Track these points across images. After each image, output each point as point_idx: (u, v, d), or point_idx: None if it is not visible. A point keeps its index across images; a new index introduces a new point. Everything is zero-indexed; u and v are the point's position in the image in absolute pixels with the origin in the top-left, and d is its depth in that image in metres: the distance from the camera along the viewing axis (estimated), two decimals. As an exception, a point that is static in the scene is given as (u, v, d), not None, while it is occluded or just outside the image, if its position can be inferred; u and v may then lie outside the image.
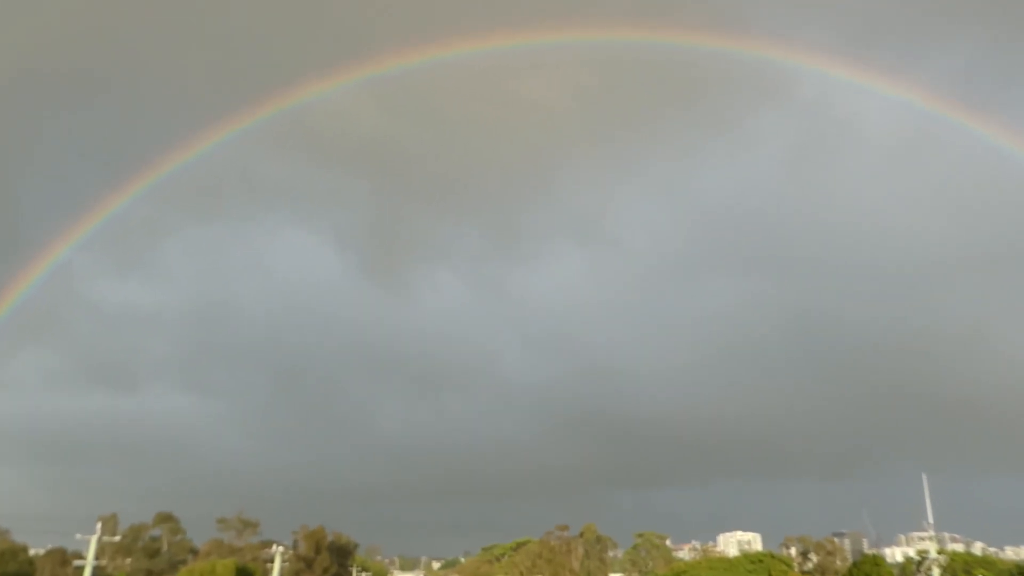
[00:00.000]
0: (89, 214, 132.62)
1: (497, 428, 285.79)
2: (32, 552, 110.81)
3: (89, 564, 48.82)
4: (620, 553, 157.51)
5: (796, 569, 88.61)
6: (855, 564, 74.71)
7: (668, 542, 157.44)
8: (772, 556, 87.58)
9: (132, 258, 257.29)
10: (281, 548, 73.76)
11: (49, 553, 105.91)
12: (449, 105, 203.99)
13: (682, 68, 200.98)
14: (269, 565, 73.51)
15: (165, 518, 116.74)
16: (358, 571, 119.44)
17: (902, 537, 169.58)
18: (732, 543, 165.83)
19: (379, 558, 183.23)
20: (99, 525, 50.23)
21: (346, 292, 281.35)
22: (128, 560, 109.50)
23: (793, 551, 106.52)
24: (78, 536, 51.62)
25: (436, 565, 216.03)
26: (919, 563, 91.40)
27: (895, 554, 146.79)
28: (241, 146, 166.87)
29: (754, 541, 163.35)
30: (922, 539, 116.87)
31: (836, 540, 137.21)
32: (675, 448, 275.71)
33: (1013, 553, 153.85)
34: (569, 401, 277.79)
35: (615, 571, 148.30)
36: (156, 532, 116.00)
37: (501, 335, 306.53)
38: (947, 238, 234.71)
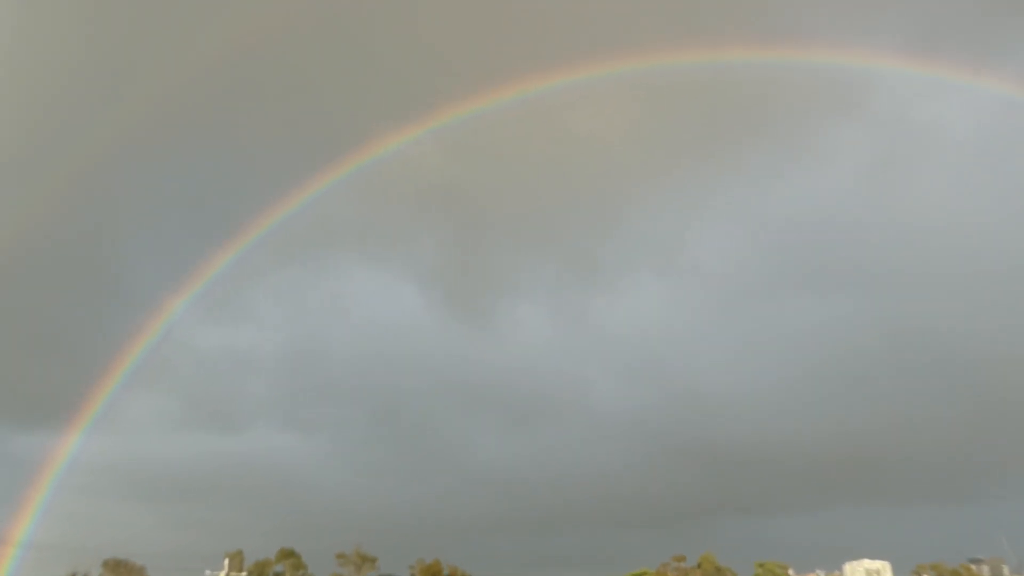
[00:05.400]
0: (191, 271, 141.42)
1: (594, 458, 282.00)
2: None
3: (219, 600, 50.72)
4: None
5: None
6: (996, 592, 70.23)
7: (791, 571, 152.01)
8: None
9: (222, 302, 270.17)
10: (399, 582, 74.73)
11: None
12: (509, 146, 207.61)
13: (741, 86, 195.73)
14: (388, 599, 74.55)
15: (287, 554, 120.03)
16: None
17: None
18: (859, 572, 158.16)
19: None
20: (226, 562, 52.21)
21: (431, 329, 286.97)
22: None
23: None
24: (207, 573, 53.83)
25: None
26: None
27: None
28: (320, 203, 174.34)
29: (883, 570, 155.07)
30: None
31: (973, 567, 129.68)
32: (780, 472, 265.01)
33: None
34: (664, 428, 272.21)
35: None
36: (279, 568, 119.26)
37: (588, 365, 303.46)
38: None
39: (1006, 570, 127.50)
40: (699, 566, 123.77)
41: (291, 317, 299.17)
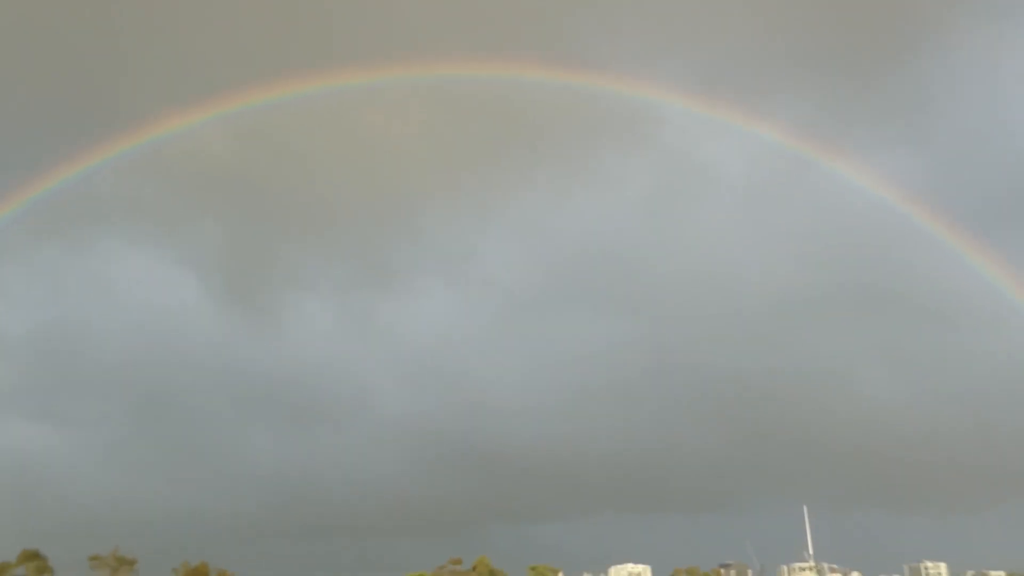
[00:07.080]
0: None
1: (373, 462, 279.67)
2: None
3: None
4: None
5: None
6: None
7: (561, 575, 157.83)
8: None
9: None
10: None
11: None
12: (301, 140, 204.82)
13: (536, 105, 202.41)
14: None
15: (31, 556, 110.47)
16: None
17: (784, 568, 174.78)
18: (623, 575, 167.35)
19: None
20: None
21: (207, 320, 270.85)
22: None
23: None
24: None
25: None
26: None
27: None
28: (89, 179, 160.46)
29: (644, 573, 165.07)
30: (803, 569, 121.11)
31: (723, 571, 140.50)
32: (552, 482, 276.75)
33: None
34: (443, 436, 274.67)
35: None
36: (20, 571, 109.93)
37: (373, 368, 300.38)
38: (804, 280, 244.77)
39: (750, 574, 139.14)
40: (474, 569, 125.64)
41: (48, 298, 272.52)
